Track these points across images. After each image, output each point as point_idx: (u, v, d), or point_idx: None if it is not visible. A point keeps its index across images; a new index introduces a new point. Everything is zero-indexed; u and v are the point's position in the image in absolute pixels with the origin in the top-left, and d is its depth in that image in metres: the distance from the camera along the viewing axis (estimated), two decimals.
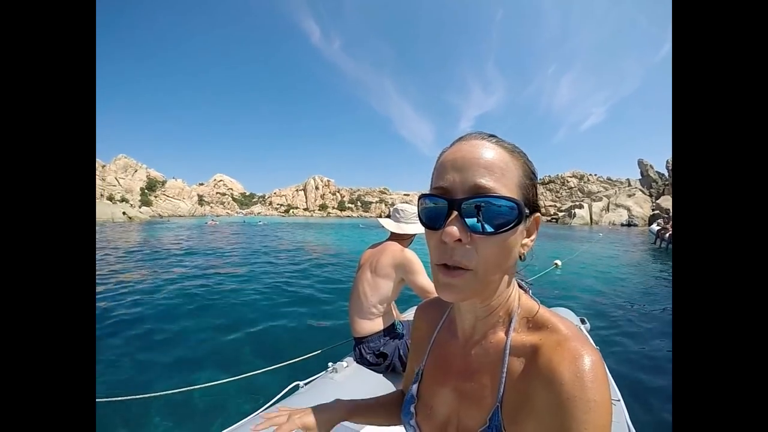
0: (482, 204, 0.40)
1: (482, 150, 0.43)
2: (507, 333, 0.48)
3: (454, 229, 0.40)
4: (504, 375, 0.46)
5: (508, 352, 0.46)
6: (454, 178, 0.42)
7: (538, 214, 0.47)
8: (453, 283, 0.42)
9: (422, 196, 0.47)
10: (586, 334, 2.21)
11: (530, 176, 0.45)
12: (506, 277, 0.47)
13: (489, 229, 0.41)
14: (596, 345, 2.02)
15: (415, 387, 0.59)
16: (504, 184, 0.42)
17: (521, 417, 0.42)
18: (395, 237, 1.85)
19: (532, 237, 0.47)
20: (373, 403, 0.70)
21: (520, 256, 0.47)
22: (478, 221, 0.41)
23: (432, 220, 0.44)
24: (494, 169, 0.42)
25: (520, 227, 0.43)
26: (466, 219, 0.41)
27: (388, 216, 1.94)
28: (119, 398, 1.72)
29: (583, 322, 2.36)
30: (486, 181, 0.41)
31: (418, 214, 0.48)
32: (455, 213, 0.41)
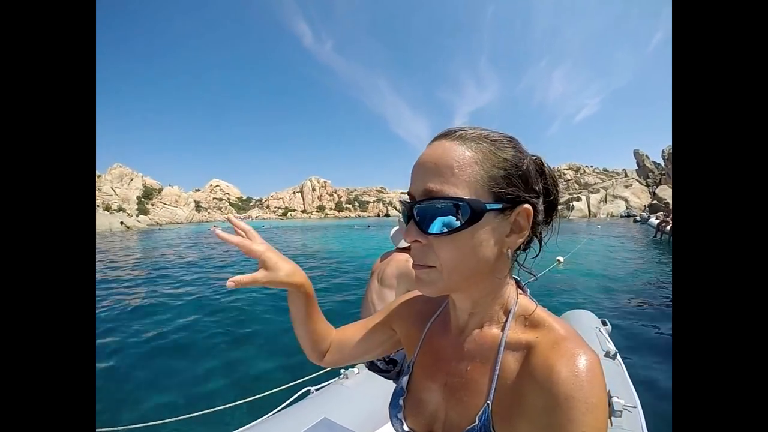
0: (430, 206, 0.42)
1: (437, 151, 0.43)
2: (503, 330, 0.47)
3: (409, 232, 0.45)
4: (497, 373, 0.44)
5: (502, 348, 0.45)
6: (413, 183, 0.45)
7: (527, 206, 0.43)
8: (420, 276, 0.46)
9: None
10: (607, 336, 2.15)
11: (504, 167, 0.43)
12: (491, 275, 0.46)
13: (436, 230, 0.42)
14: (616, 347, 1.98)
15: (405, 380, 0.56)
16: (454, 184, 0.41)
17: (513, 417, 0.41)
18: (401, 248, 1.89)
19: (522, 233, 0.44)
20: (317, 310, 0.64)
21: (508, 254, 0.45)
22: (428, 223, 0.43)
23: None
24: (443, 170, 0.42)
25: (489, 225, 0.42)
26: (419, 222, 0.44)
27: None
28: (125, 427, 1.69)
29: (603, 323, 2.32)
30: (433, 184, 0.42)
31: None
32: (412, 217, 0.45)
